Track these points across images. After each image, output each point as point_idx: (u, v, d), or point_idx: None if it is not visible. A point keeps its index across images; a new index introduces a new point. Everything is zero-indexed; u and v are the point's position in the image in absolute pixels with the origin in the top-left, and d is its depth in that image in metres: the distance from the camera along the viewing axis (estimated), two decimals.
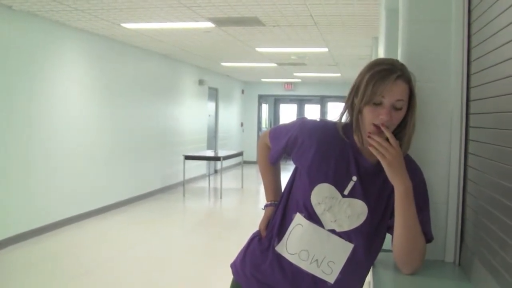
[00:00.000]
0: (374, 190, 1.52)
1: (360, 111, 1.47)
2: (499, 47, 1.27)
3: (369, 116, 1.45)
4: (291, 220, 1.60)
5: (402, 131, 1.50)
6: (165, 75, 10.15)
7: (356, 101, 1.48)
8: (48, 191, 6.40)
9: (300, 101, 21.06)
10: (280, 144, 1.71)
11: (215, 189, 11.09)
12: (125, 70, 8.40)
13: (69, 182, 6.83)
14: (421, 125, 1.60)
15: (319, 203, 1.53)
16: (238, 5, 5.42)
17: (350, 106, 1.52)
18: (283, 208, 1.65)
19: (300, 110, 21.30)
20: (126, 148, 8.48)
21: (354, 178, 1.52)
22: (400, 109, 1.45)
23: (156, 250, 5.96)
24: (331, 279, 1.53)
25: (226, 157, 10.20)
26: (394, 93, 1.42)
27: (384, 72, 1.43)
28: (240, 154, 11.24)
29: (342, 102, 1.56)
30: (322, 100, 18.03)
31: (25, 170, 5.99)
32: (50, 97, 6.41)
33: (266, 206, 1.80)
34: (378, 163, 1.49)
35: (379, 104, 1.43)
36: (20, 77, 5.86)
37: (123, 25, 6.64)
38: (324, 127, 1.61)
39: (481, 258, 1.38)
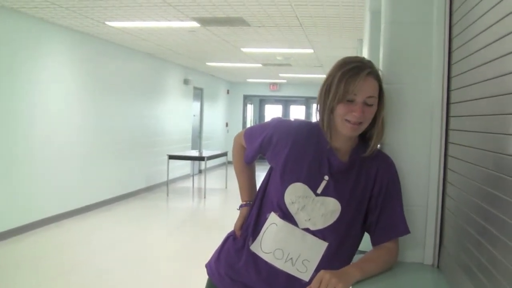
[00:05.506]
0: (347, 187, 1.55)
1: (332, 110, 1.50)
2: (479, 49, 1.28)
3: (342, 112, 1.48)
4: (265, 219, 1.62)
5: (372, 128, 1.54)
6: (150, 74, 10.09)
7: (328, 100, 1.50)
8: (30, 190, 6.31)
9: (285, 102, 21.09)
10: (255, 144, 1.72)
11: (199, 189, 11.06)
12: (110, 68, 8.32)
13: (51, 180, 6.75)
14: (401, 127, 1.61)
15: (292, 202, 1.55)
16: (224, 5, 5.41)
17: (322, 106, 1.53)
18: (258, 208, 1.66)
19: (285, 111, 21.33)
20: (110, 147, 8.40)
21: (326, 177, 1.55)
22: (372, 105, 1.48)
23: (138, 249, 5.91)
24: (306, 277, 1.56)
25: (211, 157, 10.17)
26: (365, 90, 1.46)
27: (355, 69, 1.46)
28: (224, 154, 11.22)
29: None
30: (307, 101, 18.04)
31: (7, 168, 5.90)
32: (33, 95, 6.32)
33: (241, 206, 1.81)
34: (350, 160, 1.55)
35: (351, 101, 1.47)
36: (3, 74, 5.78)
37: (108, 23, 6.59)
38: (298, 127, 1.63)
39: (459, 260, 1.39)
